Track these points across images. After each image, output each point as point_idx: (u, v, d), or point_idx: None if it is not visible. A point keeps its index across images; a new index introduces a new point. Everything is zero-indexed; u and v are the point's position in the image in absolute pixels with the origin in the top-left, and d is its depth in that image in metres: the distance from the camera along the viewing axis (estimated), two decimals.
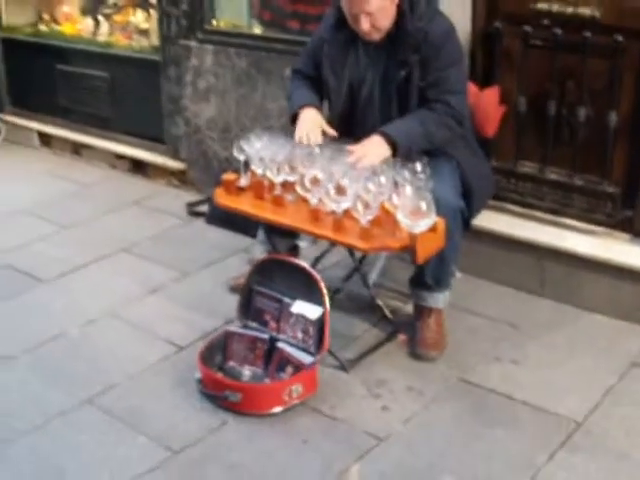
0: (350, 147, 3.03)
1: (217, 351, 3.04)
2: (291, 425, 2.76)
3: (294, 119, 3.24)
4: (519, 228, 3.59)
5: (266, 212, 3.10)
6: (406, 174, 2.87)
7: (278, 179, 3.06)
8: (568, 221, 3.53)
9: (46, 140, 5.90)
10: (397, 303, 3.49)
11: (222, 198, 3.24)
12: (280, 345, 2.97)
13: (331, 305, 3.05)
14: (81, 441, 2.71)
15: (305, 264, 2.99)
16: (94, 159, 5.54)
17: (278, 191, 3.08)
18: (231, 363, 3.04)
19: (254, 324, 3.09)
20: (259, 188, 3.16)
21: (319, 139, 3.11)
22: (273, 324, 3.04)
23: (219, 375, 2.89)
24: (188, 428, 2.75)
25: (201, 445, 2.67)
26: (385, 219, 2.84)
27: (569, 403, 2.83)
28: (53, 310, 3.57)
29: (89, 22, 5.86)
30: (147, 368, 3.12)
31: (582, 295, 3.43)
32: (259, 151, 3.15)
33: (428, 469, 2.53)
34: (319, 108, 3.26)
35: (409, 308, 3.37)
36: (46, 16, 6.14)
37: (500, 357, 3.12)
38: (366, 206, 2.76)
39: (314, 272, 2.94)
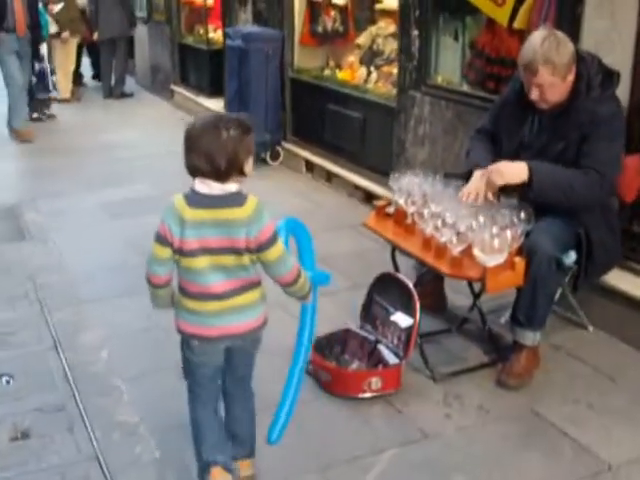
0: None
1: (337, 344, 3.67)
2: (363, 408, 3.33)
3: (469, 175, 3.63)
4: None
5: (398, 238, 3.68)
6: (505, 217, 3.28)
7: (410, 210, 3.63)
8: None
9: (310, 167, 6.94)
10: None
11: (371, 221, 3.88)
12: (380, 347, 3.53)
13: (458, 331, 3.57)
14: None
15: (409, 283, 3.51)
16: (340, 187, 6.44)
17: (409, 220, 3.64)
18: (346, 356, 3.64)
19: (368, 326, 3.68)
20: (400, 216, 3.74)
21: (480, 201, 3.43)
22: (380, 328, 3.59)
23: (318, 356, 3.50)
24: None
25: None
26: None
27: (615, 450, 3.03)
28: None
29: (363, 71, 6.81)
30: (285, 346, 3.79)
31: None
32: (405, 185, 3.75)
33: (448, 467, 2.94)
34: None
35: None
36: (332, 62, 7.22)
37: (579, 400, 3.36)
38: (459, 240, 3.24)
39: (414, 290, 3.45)
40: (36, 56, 9.11)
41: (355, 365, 3.57)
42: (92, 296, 4.53)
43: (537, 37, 3.30)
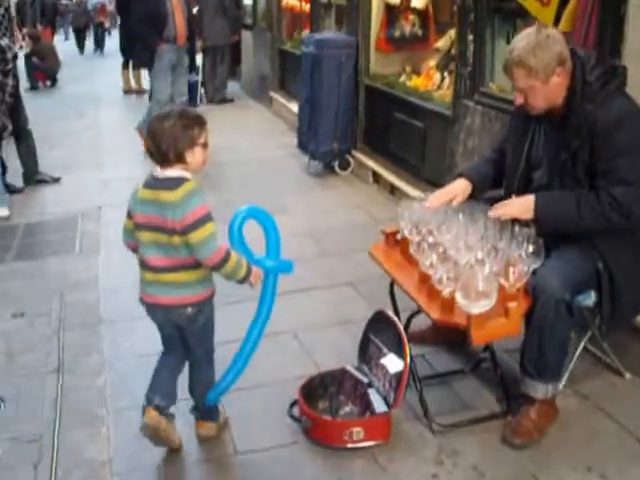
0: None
1: (333, 384, 3.33)
2: (343, 461, 2.99)
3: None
4: None
5: (398, 270, 3.30)
6: (512, 251, 2.87)
7: (414, 239, 3.25)
8: None
9: (377, 178, 6.58)
10: None
11: (378, 248, 3.52)
12: (369, 391, 3.17)
13: (475, 373, 3.18)
14: None
15: (399, 324, 3.13)
16: (402, 200, 6.03)
17: (412, 249, 3.24)
18: (341, 398, 3.30)
19: (365, 367, 3.32)
20: (405, 246, 3.36)
21: (434, 203, 3.34)
22: (375, 370, 3.24)
23: (301, 400, 3.18)
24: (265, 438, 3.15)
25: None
26: None
27: None
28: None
29: (437, 77, 6.38)
30: (283, 379, 3.53)
31: None
32: (413, 211, 3.38)
33: None
34: (472, 180, 3.37)
35: None
36: (408, 68, 6.81)
37: (592, 467, 2.88)
38: (449, 280, 2.85)
39: (404, 333, 3.08)
40: (193, 67, 8.90)
41: (348, 409, 3.23)
42: (110, 316, 4.39)
43: (519, 37, 2.98)
